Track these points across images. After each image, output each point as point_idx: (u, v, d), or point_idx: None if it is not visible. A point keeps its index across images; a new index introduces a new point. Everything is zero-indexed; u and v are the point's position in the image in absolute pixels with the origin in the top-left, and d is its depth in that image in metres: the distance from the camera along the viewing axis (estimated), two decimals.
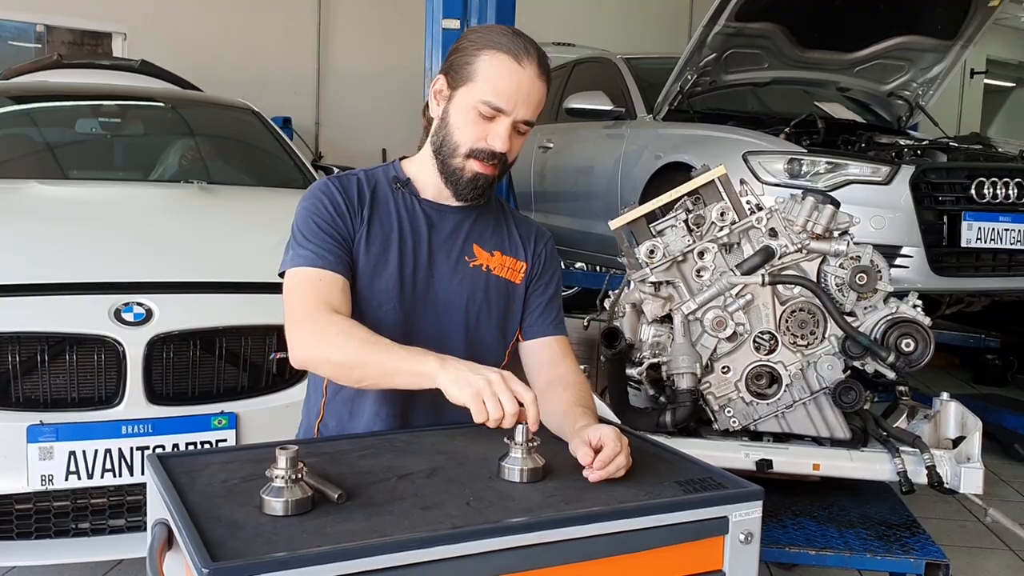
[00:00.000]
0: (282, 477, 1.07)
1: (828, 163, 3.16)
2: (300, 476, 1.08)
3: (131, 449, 2.00)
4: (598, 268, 4.86)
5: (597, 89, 4.24)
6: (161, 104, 3.87)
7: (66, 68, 4.40)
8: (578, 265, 5.03)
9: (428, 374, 1.23)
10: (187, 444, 2.04)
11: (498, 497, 1.14)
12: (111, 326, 2.03)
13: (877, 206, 3.09)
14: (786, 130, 3.49)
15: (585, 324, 3.09)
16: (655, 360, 2.17)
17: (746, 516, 1.19)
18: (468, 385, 1.18)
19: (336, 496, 1.10)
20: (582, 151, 4.49)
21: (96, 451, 1.97)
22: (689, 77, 3.70)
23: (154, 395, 2.04)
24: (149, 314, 2.07)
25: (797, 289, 2.19)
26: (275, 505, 1.06)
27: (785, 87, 4.01)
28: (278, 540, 0.99)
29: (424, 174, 1.48)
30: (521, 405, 1.18)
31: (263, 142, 3.75)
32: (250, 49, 7.54)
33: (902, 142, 3.64)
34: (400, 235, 1.46)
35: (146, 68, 4.40)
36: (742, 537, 1.18)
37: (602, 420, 1.39)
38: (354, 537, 0.99)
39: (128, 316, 2.06)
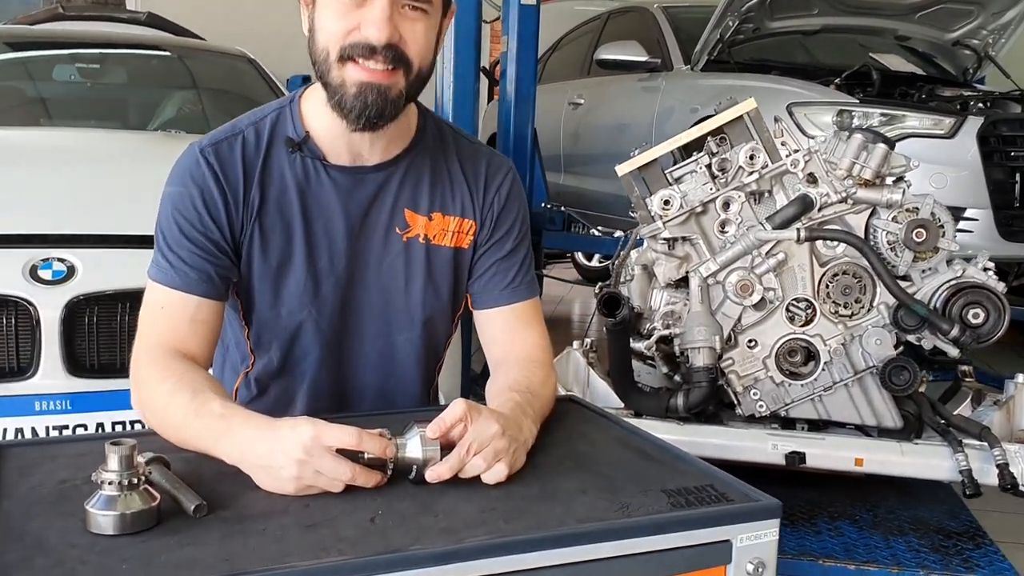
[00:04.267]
0: (113, 483, 0.81)
1: (883, 115, 2.99)
2: (140, 481, 0.82)
3: (47, 428, 1.77)
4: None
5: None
6: (148, 51, 3.71)
7: (69, 20, 4.27)
8: (617, 234, 4.75)
9: (231, 460, 0.97)
10: (113, 424, 1.81)
11: (416, 511, 0.87)
12: (24, 285, 1.79)
13: (939, 163, 2.88)
14: (836, 81, 3.26)
15: (597, 292, 2.78)
16: (667, 332, 1.88)
17: (757, 540, 0.91)
18: (279, 483, 0.91)
19: (193, 508, 0.84)
20: (615, 107, 4.32)
21: (4, 430, 1.75)
22: (730, 24, 3.48)
23: (75, 366, 1.80)
24: (71, 271, 1.83)
25: (840, 247, 1.88)
26: (100, 520, 0.80)
27: (836, 36, 3.84)
28: (83, 573, 0.73)
29: (323, 123, 1.16)
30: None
31: (256, 90, 3.55)
32: (271, 5, 7.29)
33: (967, 94, 3.32)
34: (305, 219, 1.18)
35: (153, 21, 4.25)
36: (750, 569, 0.90)
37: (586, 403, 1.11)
38: (192, 570, 0.74)
39: (46, 274, 1.82)
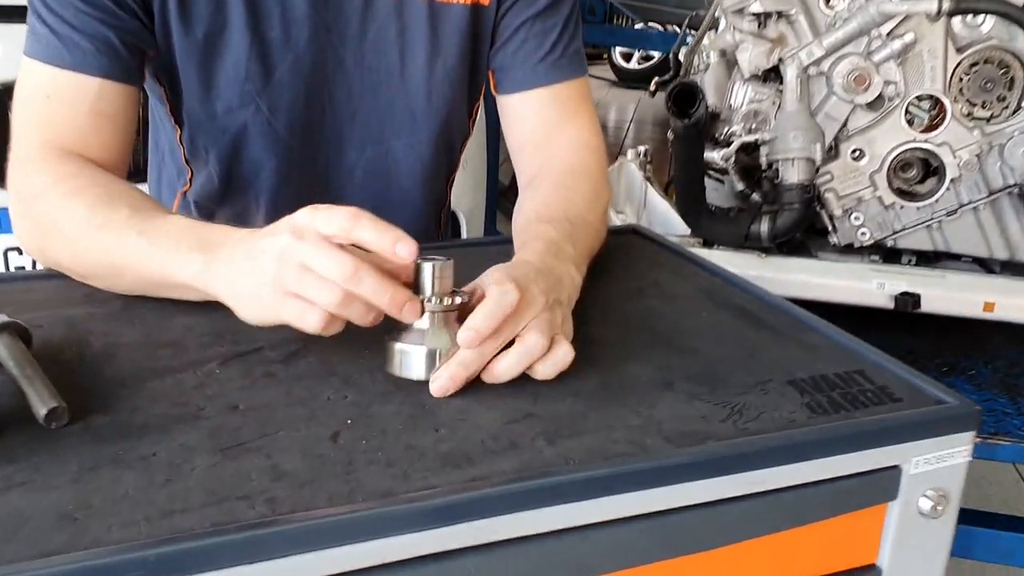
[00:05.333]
0: None
1: None
2: None
3: None
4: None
5: None
6: None
7: None
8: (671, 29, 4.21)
9: (194, 286, 0.64)
10: None
11: (403, 423, 0.55)
12: None
13: None
14: None
15: (651, 90, 2.33)
16: (751, 138, 1.49)
17: (938, 463, 0.59)
18: (258, 294, 0.59)
19: (44, 413, 0.53)
20: None
21: None
22: None
23: None
24: None
25: (987, 26, 1.44)
26: None
27: None
28: None
29: None
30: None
31: None
32: None
33: None
34: None
35: None
36: (926, 507, 0.59)
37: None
38: (14, 531, 0.43)
39: None
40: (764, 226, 1.46)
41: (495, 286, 0.58)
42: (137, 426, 0.54)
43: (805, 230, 1.52)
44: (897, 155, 1.47)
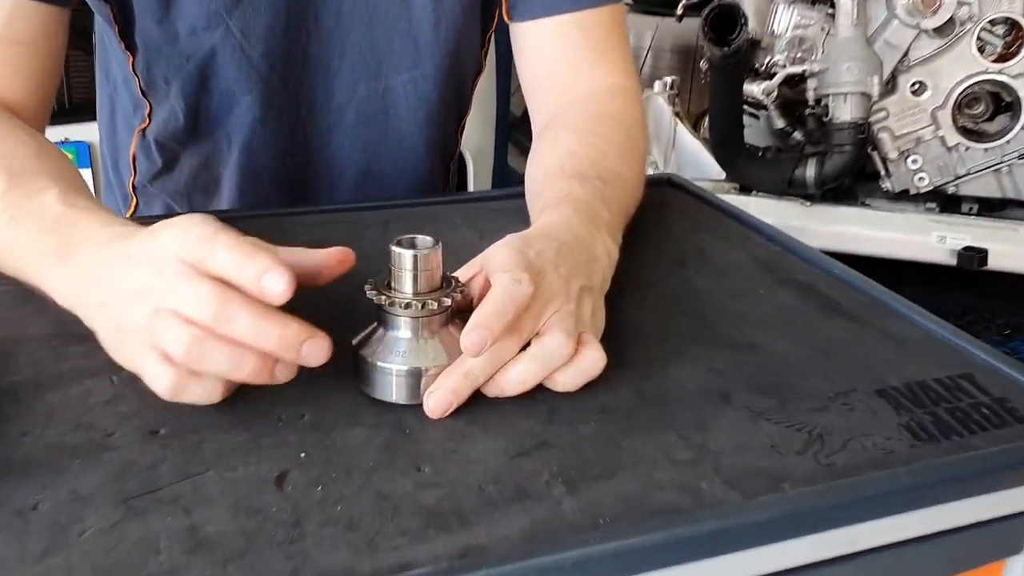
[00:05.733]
0: None
1: None
2: None
3: None
4: None
5: None
6: None
7: None
8: None
9: (54, 292, 0.49)
10: None
11: (376, 456, 0.42)
12: None
13: None
14: None
15: (678, 14, 2.14)
16: (797, 69, 1.32)
17: None
18: (115, 334, 0.44)
19: None
20: None
21: None
22: None
23: None
24: None
25: None
26: None
27: None
28: None
29: None
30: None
31: None
32: None
33: None
34: None
35: None
36: None
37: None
38: None
39: None
40: (810, 170, 1.30)
41: (503, 273, 0.44)
42: (20, 462, 0.40)
43: (856, 176, 1.36)
44: (965, 88, 1.30)
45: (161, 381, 0.41)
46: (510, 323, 0.44)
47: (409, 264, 0.45)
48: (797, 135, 1.44)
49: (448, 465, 0.41)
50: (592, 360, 0.46)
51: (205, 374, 0.41)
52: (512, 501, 0.39)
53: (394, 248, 0.45)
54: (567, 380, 0.46)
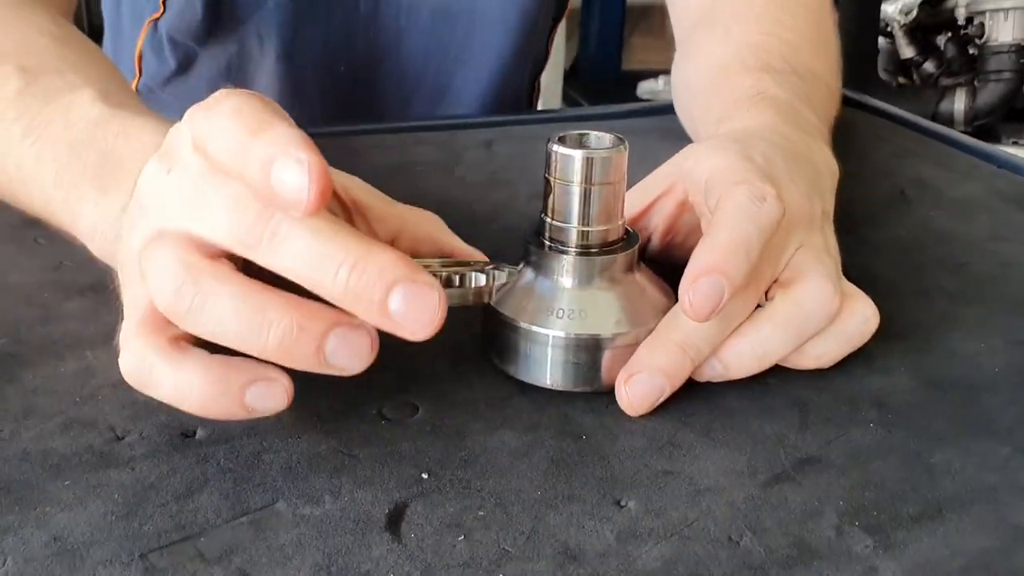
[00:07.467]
0: None
1: None
2: None
3: None
4: None
5: None
6: None
7: None
8: None
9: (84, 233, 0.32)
10: None
11: (548, 472, 0.26)
12: None
13: None
14: None
15: None
16: None
17: None
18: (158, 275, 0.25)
19: None
20: None
21: None
22: None
23: None
24: None
25: None
26: None
27: None
28: None
29: None
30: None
31: None
32: None
33: None
34: None
35: None
36: None
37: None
38: None
39: None
40: (959, 102, 1.11)
41: (739, 185, 0.29)
42: None
43: (1011, 111, 1.17)
44: None
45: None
46: (755, 265, 0.28)
47: (579, 172, 0.29)
48: (929, 66, 1.25)
49: (666, 497, 0.26)
50: (862, 320, 0.30)
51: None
52: (791, 564, 0.23)
53: (556, 147, 0.29)
54: (824, 351, 0.30)
